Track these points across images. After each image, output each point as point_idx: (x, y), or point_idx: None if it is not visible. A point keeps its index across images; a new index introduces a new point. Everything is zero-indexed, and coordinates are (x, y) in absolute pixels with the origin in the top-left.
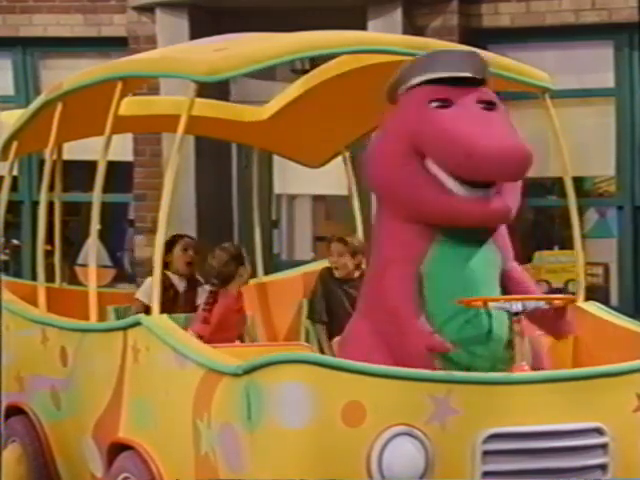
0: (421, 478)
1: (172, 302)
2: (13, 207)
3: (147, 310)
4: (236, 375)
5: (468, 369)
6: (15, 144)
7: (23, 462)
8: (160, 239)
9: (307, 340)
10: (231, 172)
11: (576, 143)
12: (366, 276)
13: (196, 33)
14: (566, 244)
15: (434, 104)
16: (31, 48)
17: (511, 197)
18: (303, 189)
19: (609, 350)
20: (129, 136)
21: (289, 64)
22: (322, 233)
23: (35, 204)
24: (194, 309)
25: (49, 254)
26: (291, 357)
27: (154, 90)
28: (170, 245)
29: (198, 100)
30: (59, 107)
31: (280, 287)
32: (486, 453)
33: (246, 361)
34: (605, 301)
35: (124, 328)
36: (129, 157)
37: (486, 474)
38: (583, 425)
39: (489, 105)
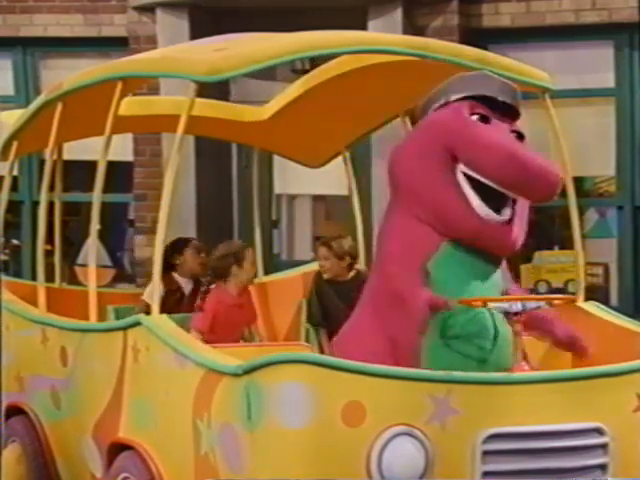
0: (421, 478)
1: (178, 305)
2: (13, 207)
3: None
4: (236, 375)
5: (470, 366)
6: (15, 144)
7: (23, 462)
8: (160, 239)
9: (307, 340)
10: (231, 172)
11: (576, 143)
12: (372, 269)
13: (196, 33)
14: (566, 244)
15: (475, 117)
16: (31, 48)
17: (522, 226)
18: (303, 189)
19: (609, 350)
20: (129, 136)
21: (289, 64)
22: (322, 233)
23: (35, 204)
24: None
25: (49, 254)
26: (291, 357)
27: (154, 90)
28: (178, 248)
29: (198, 100)
30: (59, 107)
31: (280, 287)
32: (486, 453)
33: (246, 361)
34: (605, 301)
35: (124, 328)
36: (129, 157)
37: (486, 474)
38: (583, 425)
39: (520, 136)
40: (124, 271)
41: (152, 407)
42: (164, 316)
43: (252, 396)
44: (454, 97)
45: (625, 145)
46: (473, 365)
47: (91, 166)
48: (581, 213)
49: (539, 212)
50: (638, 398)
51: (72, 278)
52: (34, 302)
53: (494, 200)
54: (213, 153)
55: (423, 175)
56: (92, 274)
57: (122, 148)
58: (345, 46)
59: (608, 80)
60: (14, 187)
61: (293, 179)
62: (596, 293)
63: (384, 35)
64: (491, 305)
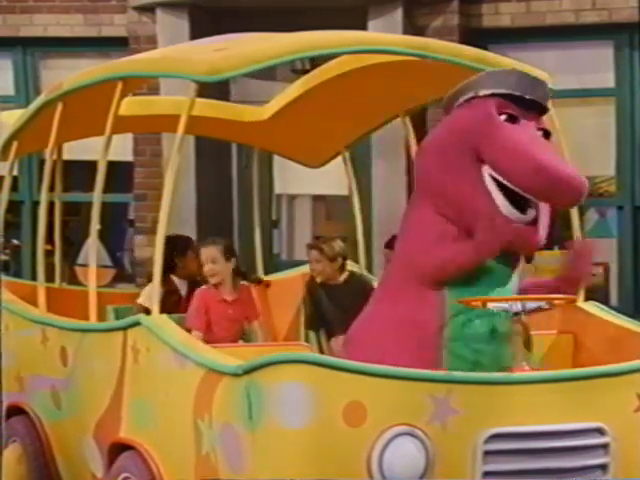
0: (422, 478)
1: (176, 306)
2: (13, 207)
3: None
4: (236, 375)
5: (474, 366)
6: (15, 144)
7: (23, 462)
8: (160, 239)
9: (307, 340)
10: (231, 172)
11: (576, 143)
12: (393, 263)
13: (196, 33)
14: (566, 244)
15: (503, 116)
16: (31, 48)
17: (545, 225)
18: (303, 189)
19: (609, 350)
20: (129, 136)
21: (289, 64)
22: (322, 233)
23: (35, 204)
24: None
25: (49, 254)
26: (291, 357)
27: (154, 90)
28: (179, 249)
29: (198, 100)
30: (59, 107)
31: (280, 287)
32: (487, 453)
33: (246, 361)
34: (605, 301)
35: (124, 328)
36: (129, 157)
37: (487, 474)
38: (584, 425)
39: (547, 134)
40: (124, 271)
41: (152, 407)
42: (164, 316)
43: (252, 396)
44: (482, 92)
45: (625, 145)
46: (469, 367)
47: (91, 166)
48: (581, 213)
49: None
50: (638, 398)
51: (72, 278)
52: (34, 302)
53: (519, 200)
54: (213, 153)
55: (448, 173)
56: (92, 274)
57: (122, 148)
58: (345, 46)
59: (608, 80)
60: (14, 187)
61: (293, 179)
62: (596, 293)
63: (384, 35)
64: (491, 305)
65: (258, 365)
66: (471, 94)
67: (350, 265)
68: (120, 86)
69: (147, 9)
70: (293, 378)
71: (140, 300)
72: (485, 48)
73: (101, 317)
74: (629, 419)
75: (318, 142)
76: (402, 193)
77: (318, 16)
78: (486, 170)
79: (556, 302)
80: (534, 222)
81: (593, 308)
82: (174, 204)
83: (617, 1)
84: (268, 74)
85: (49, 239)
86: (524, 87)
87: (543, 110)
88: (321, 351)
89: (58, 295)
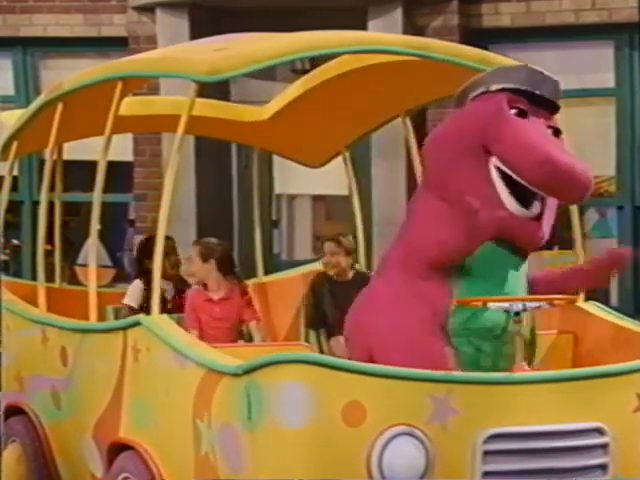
0: (421, 478)
1: (161, 306)
2: (13, 207)
3: (133, 312)
4: (236, 375)
5: (475, 365)
6: (15, 144)
7: (23, 462)
8: (160, 239)
9: (307, 340)
10: (231, 172)
11: (576, 143)
12: (394, 245)
13: (196, 33)
14: (566, 244)
15: (513, 111)
16: (31, 48)
17: (550, 220)
18: (303, 189)
19: (609, 350)
20: (129, 136)
21: (289, 64)
22: (322, 233)
23: (35, 204)
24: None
25: (49, 254)
26: (291, 357)
27: (154, 90)
28: (147, 252)
29: (198, 100)
30: (59, 107)
31: (280, 287)
32: (486, 453)
33: (246, 361)
34: (605, 301)
35: (124, 328)
36: (129, 157)
37: (486, 474)
38: (583, 425)
39: (556, 132)
40: (124, 271)
41: (152, 407)
42: (164, 316)
43: (252, 396)
44: (494, 87)
45: (625, 145)
46: (472, 363)
47: (91, 166)
48: (581, 213)
49: None
50: (638, 398)
51: (72, 278)
52: (34, 302)
53: (525, 195)
54: (213, 153)
55: (456, 166)
56: (92, 274)
57: (122, 148)
58: (345, 46)
59: (608, 80)
60: (14, 187)
61: (293, 179)
62: (596, 293)
63: (384, 35)
64: (492, 305)
65: (258, 365)
66: (482, 89)
67: None
68: (120, 86)
69: (147, 9)
70: (293, 378)
71: (125, 300)
72: (485, 48)
73: (101, 317)
74: (629, 419)
75: (318, 142)
76: (402, 193)
77: (318, 16)
78: (493, 163)
79: (556, 302)
80: (539, 218)
81: (593, 308)
82: (174, 204)
83: (617, 1)
84: (268, 74)
85: (49, 239)
86: (535, 83)
87: (554, 108)
88: (321, 351)
89: (58, 295)
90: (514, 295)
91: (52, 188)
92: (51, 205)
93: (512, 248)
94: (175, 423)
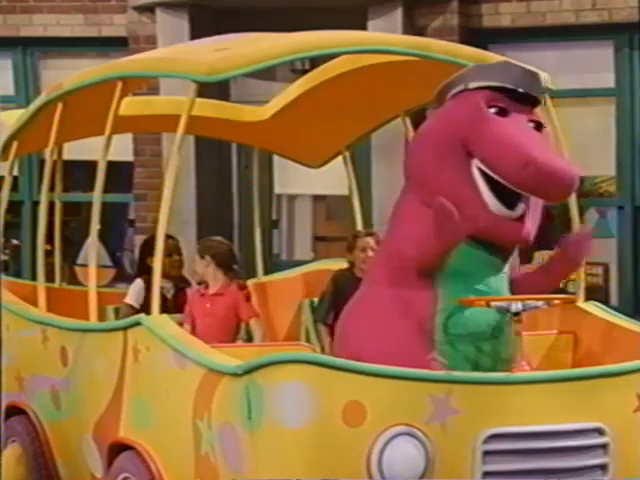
0: (421, 478)
1: (162, 305)
2: (13, 207)
3: (136, 314)
4: (236, 375)
5: (475, 365)
6: (15, 144)
7: (23, 462)
8: (160, 239)
9: (307, 340)
10: (231, 172)
11: (576, 143)
12: (380, 251)
13: (196, 33)
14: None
15: (492, 110)
16: (31, 48)
17: (535, 220)
18: (303, 189)
19: (609, 350)
20: (129, 136)
21: (289, 64)
22: (322, 233)
23: (35, 204)
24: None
25: (49, 254)
26: (291, 357)
27: (154, 90)
28: (150, 250)
29: (198, 100)
30: (59, 107)
31: (280, 287)
32: (486, 453)
33: (246, 361)
34: (605, 301)
35: (124, 328)
36: (129, 157)
37: (486, 474)
38: (583, 425)
39: (538, 126)
40: (124, 271)
41: (152, 407)
42: (164, 316)
43: (252, 396)
44: (473, 85)
45: (625, 145)
46: (470, 365)
47: (91, 166)
48: (581, 213)
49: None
50: (638, 398)
51: (72, 278)
52: (34, 302)
53: (508, 195)
54: (213, 153)
55: (437, 168)
56: (92, 274)
57: (122, 148)
58: (345, 46)
59: (608, 80)
60: (14, 187)
61: (293, 179)
62: (596, 293)
63: (384, 35)
64: (492, 305)
65: (258, 365)
66: (461, 87)
67: None
68: (120, 86)
69: (147, 9)
70: (293, 378)
71: (126, 299)
72: (485, 48)
73: (101, 317)
74: (629, 419)
75: (318, 142)
76: None
77: (318, 16)
78: (475, 163)
79: (556, 302)
80: (523, 217)
81: (593, 308)
82: (174, 204)
83: (617, 1)
84: (268, 74)
85: (49, 239)
86: (514, 79)
87: (535, 102)
88: (322, 351)
89: (58, 295)
90: (500, 288)
91: (52, 188)
92: (51, 205)
93: (494, 249)
94: (175, 423)
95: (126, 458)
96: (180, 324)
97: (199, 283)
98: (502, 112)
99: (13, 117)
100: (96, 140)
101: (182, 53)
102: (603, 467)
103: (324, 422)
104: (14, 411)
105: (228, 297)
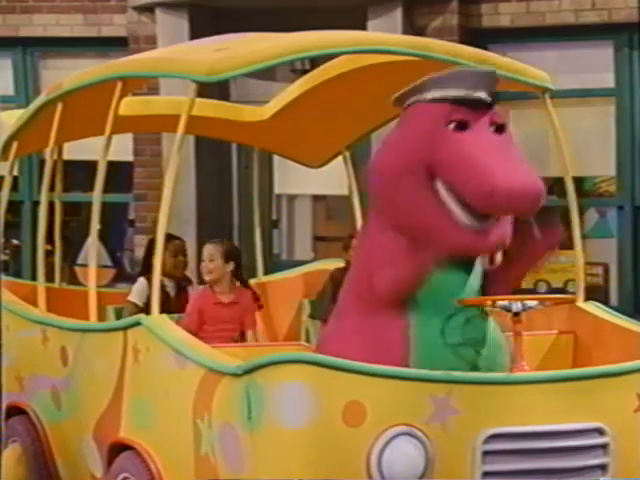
0: (421, 478)
1: (163, 305)
2: (13, 207)
3: (140, 312)
4: (236, 375)
5: (473, 367)
6: (15, 144)
7: (23, 462)
8: (160, 239)
9: (307, 340)
10: (231, 172)
11: (576, 143)
12: (350, 280)
13: (196, 33)
14: (566, 244)
15: (451, 125)
16: (31, 48)
17: (507, 223)
18: (303, 189)
19: (609, 350)
20: (129, 136)
21: (289, 64)
22: (322, 233)
23: (35, 204)
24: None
25: (49, 254)
26: (291, 357)
27: (154, 90)
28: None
29: (198, 100)
30: (59, 107)
31: (280, 287)
32: (486, 453)
33: (246, 361)
34: (605, 301)
35: (124, 328)
36: (129, 157)
37: (486, 474)
38: (583, 425)
39: (500, 127)
40: (124, 271)
41: (152, 407)
42: (164, 316)
43: (252, 396)
44: (430, 97)
45: (625, 145)
46: (466, 369)
47: (91, 166)
48: (581, 213)
49: (539, 212)
50: (638, 398)
51: (72, 278)
52: (34, 302)
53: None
54: (213, 153)
55: (400, 191)
56: (92, 274)
57: (122, 148)
58: (345, 46)
59: (608, 80)
60: (14, 187)
61: (293, 179)
62: (596, 293)
63: (384, 35)
64: (498, 305)
65: (258, 365)
66: (418, 98)
67: None
68: (120, 86)
69: (147, 9)
70: (293, 378)
71: (130, 297)
72: (485, 48)
73: (101, 317)
74: (629, 419)
75: (318, 142)
76: None
77: (318, 16)
78: (440, 182)
79: (556, 302)
80: (494, 226)
81: (593, 308)
82: (174, 204)
83: (617, 1)
84: (268, 74)
85: (49, 239)
86: (470, 84)
87: (493, 102)
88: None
89: (58, 295)
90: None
91: (52, 188)
92: (51, 205)
93: (461, 259)
94: (175, 423)
95: (126, 458)
96: (179, 324)
97: (201, 283)
98: (461, 125)
99: (13, 117)
100: (96, 140)
101: (182, 53)
102: (603, 467)
103: (324, 422)
104: (14, 411)
105: (242, 305)
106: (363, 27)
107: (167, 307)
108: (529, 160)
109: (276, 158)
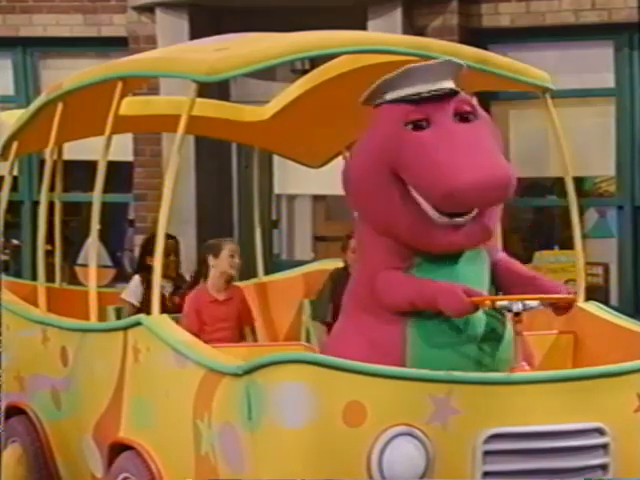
0: (421, 478)
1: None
2: (13, 207)
3: (137, 310)
4: (236, 375)
5: (477, 364)
6: (15, 144)
7: (23, 462)
8: (160, 239)
9: (307, 340)
10: (231, 172)
11: (576, 143)
12: (353, 282)
13: (196, 33)
14: (566, 244)
15: (410, 126)
16: (31, 48)
17: (491, 215)
18: (303, 189)
19: (609, 350)
20: (129, 136)
21: (289, 64)
22: (322, 233)
23: (35, 204)
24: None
25: (49, 254)
26: (291, 357)
27: (154, 90)
28: (149, 250)
29: (198, 100)
30: (59, 107)
31: (280, 287)
32: (487, 453)
33: (246, 361)
34: (605, 301)
35: (124, 328)
36: (129, 157)
37: (487, 474)
38: (584, 425)
39: (466, 116)
40: (124, 271)
41: (152, 407)
42: (164, 316)
43: (252, 396)
44: (388, 97)
45: (625, 145)
46: (470, 367)
47: (91, 166)
48: (581, 213)
49: (539, 212)
50: (639, 398)
51: (72, 278)
52: (34, 302)
53: None
54: (213, 153)
55: (373, 195)
56: (92, 274)
57: (122, 148)
58: (345, 46)
59: (608, 80)
60: (14, 187)
61: (293, 179)
62: (596, 293)
63: (384, 35)
64: (497, 304)
65: (258, 365)
66: (380, 100)
67: None
68: (120, 86)
69: (147, 9)
70: (293, 378)
71: (125, 295)
72: (485, 48)
73: (101, 317)
74: (629, 419)
75: (318, 142)
76: None
77: (318, 16)
78: (410, 186)
79: (556, 302)
80: (474, 218)
81: (593, 308)
82: (174, 204)
83: (617, 1)
84: (268, 74)
85: (49, 239)
86: (428, 78)
87: (456, 91)
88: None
89: (58, 295)
90: (471, 278)
91: (52, 188)
92: (51, 205)
93: (462, 256)
94: (175, 423)
95: (126, 458)
96: (179, 324)
97: (196, 282)
98: (419, 125)
99: (13, 117)
100: (96, 140)
101: (182, 53)
102: (604, 467)
103: (324, 422)
104: (14, 411)
105: (237, 301)
106: (363, 27)
107: (163, 307)
108: (528, 159)
109: (276, 158)
